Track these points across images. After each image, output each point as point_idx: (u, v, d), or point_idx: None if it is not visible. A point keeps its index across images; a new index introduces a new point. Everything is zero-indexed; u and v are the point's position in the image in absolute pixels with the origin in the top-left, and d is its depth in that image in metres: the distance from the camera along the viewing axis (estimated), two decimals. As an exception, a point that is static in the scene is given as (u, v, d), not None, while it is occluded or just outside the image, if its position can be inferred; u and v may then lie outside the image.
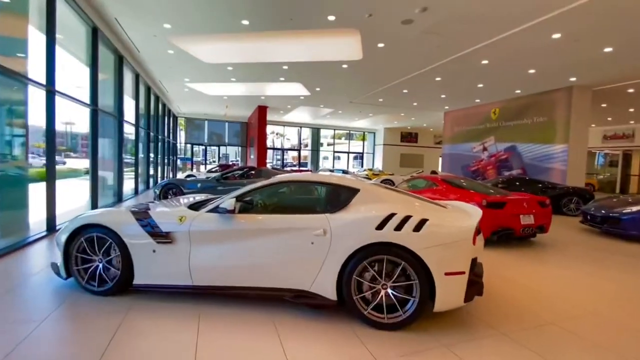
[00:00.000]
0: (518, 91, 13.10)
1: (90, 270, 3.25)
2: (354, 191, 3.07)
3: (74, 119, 9.31)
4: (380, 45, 8.59)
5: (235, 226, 3.03)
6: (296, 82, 13.11)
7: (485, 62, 9.61)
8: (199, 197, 4.21)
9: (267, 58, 10.36)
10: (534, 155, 13.30)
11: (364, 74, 11.49)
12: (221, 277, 3.04)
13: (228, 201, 3.04)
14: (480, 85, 12.43)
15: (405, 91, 13.72)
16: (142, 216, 3.22)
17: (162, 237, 3.09)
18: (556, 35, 7.59)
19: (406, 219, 2.71)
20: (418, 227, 2.68)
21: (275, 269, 2.95)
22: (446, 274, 2.63)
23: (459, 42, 8.18)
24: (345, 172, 23.75)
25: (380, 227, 2.70)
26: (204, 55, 10.21)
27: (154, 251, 3.09)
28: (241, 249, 2.99)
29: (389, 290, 2.73)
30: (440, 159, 26.98)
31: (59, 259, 3.32)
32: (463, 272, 2.67)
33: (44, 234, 5.62)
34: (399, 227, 2.68)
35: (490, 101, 15.18)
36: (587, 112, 12.14)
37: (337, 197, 3.10)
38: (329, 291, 2.82)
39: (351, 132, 29.70)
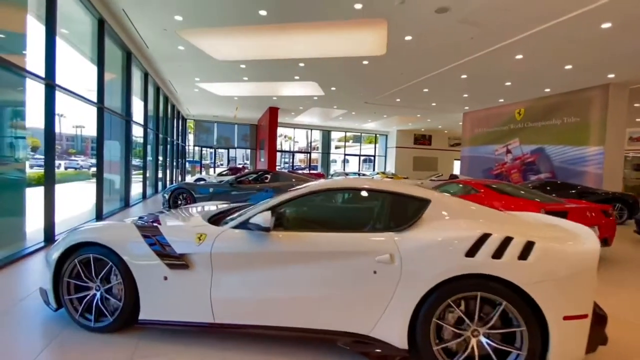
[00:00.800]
0: (547, 90, 12.30)
1: (85, 300, 2.59)
2: (423, 202, 2.36)
3: (84, 122, 8.83)
4: (408, 38, 7.89)
5: (272, 248, 2.34)
6: (311, 80, 12.46)
7: (519, 57, 8.86)
8: (213, 206, 3.55)
9: (282, 54, 9.72)
10: (565, 158, 12.46)
11: (385, 71, 10.79)
12: (251, 313, 2.35)
13: (261, 215, 2.34)
14: (508, 84, 11.65)
15: (425, 90, 12.99)
16: (150, 232, 2.56)
17: (175, 259, 2.42)
18: (606, 25, 6.83)
19: (507, 241, 1.99)
20: (525, 254, 1.96)
21: (324, 306, 2.25)
22: (565, 318, 1.92)
23: (496, 33, 7.44)
24: (359, 174, 23.06)
25: (471, 253, 1.99)
26: (216, 51, 9.61)
27: (165, 278, 2.42)
28: (279, 277, 2.31)
29: (482, 339, 2.02)
30: (455, 161, 26.23)
31: (47, 284, 2.68)
32: (586, 315, 1.95)
33: (42, 244, 5.02)
34: (498, 254, 1.97)
35: (515, 101, 14.36)
36: (624, 112, 11.30)
37: (402, 210, 2.39)
38: (397, 337, 2.11)
39: (362, 134, 29.00)
